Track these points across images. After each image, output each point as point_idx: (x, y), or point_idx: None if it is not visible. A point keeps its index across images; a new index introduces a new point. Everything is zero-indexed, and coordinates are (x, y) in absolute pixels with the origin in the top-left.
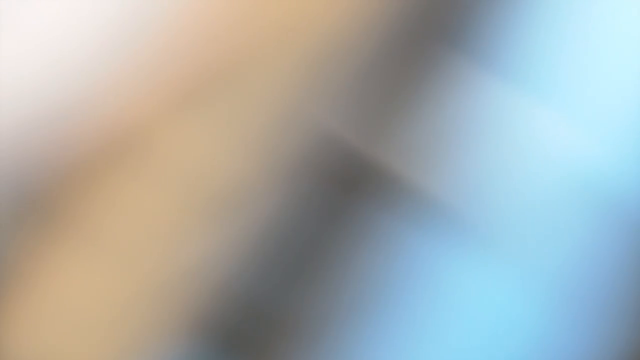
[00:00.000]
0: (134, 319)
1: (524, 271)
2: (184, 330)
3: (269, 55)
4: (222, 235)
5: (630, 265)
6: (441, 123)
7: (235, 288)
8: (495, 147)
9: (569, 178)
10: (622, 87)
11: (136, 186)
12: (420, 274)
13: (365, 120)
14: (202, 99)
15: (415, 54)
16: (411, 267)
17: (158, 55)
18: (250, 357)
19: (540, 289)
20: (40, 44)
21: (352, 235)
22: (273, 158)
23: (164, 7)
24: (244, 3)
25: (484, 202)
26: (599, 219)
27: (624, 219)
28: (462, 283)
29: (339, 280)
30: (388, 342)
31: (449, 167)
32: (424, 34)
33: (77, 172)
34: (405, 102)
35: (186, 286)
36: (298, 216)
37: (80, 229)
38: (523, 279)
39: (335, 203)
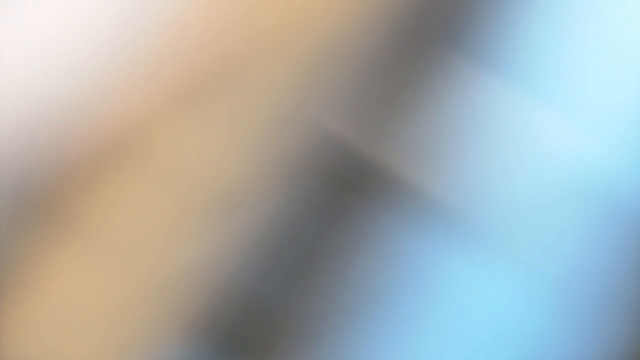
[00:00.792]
0: (134, 319)
1: (524, 271)
2: (184, 330)
3: (269, 55)
4: (222, 235)
5: (631, 265)
6: (441, 123)
7: (235, 288)
8: (495, 147)
9: (570, 178)
10: (623, 87)
11: (136, 186)
12: (421, 274)
13: (365, 120)
14: (202, 99)
15: (415, 54)
16: (411, 267)
17: (157, 55)
18: (250, 357)
19: (541, 289)
20: (40, 44)
21: (352, 235)
22: (273, 158)
23: (163, 7)
24: (243, 3)
25: (485, 202)
26: (600, 219)
27: (625, 218)
28: (463, 283)
29: (339, 280)
30: (388, 342)
31: (449, 167)
32: (424, 34)
33: (77, 172)
34: (406, 102)
35: (186, 286)
36: (298, 216)
37: (80, 229)
38: (524, 279)
39: (335, 203)
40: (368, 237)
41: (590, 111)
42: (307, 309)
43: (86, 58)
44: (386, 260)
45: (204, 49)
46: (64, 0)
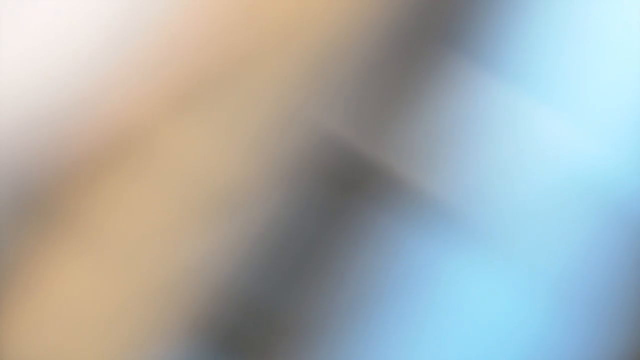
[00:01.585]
0: (134, 319)
1: (525, 272)
2: (184, 331)
3: (268, 56)
4: (222, 235)
5: (631, 267)
6: (441, 124)
7: (235, 288)
8: (495, 148)
9: (570, 179)
10: (623, 88)
11: (136, 186)
12: (421, 274)
13: (365, 120)
14: (202, 100)
15: (415, 55)
16: (411, 268)
17: (157, 56)
18: (250, 357)
19: (541, 290)
20: (40, 44)
21: (352, 236)
22: (272, 158)
23: (163, 7)
24: (242, 3)
25: (485, 203)
26: (600, 220)
27: (625, 219)
28: (463, 283)
29: (338, 280)
30: (388, 342)
31: (449, 168)
32: (424, 34)
33: (78, 172)
34: (405, 102)
35: (186, 287)
36: (298, 216)
37: (80, 229)
38: (524, 280)
39: (335, 203)
40: (368, 238)
41: (591, 112)
42: (307, 310)
43: (87, 58)
44: (386, 260)
45: (204, 49)
46: (64, 1)
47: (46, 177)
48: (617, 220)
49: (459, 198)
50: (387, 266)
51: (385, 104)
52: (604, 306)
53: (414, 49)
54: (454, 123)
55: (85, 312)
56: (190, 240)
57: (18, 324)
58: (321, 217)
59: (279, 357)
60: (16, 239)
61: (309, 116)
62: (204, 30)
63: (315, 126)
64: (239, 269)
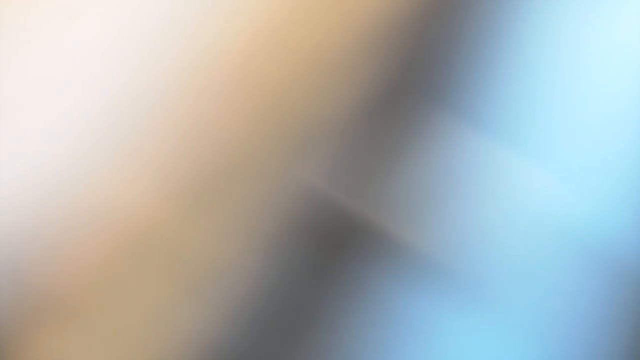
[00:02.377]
0: None
1: (514, 323)
2: None
3: (256, 115)
4: (213, 302)
5: (620, 314)
6: (428, 180)
7: (228, 354)
8: (481, 202)
9: (555, 230)
10: (610, 140)
11: (130, 268)
12: (411, 330)
13: (352, 178)
14: (192, 179)
15: (401, 112)
16: (401, 324)
17: (149, 146)
18: None
19: (532, 341)
20: (39, 139)
21: (342, 294)
22: (261, 218)
23: (158, 102)
24: (230, 79)
25: (472, 256)
26: (588, 271)
27: (613, 269)
28: (453, 338)
29: (329, 338)
30: None
31: (436, 224)
32: (410, 91)
33: (74, 255)
34: (392, 159)
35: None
36: (287, 276)
37: (76, 311)
38: (514, 331)
39: (324, 262)
40: (358, 295)
41: (575, 165)
42: None
43: (83, 152)
44: (376, 317)
45: (196, 135)
46: (63, 95)
47: (44, 262)
48: (605, 270)
49: (448, 253)
50: (377, 322)
51: (373, 162)
52: (595, 355)
53: (400, 106)
54: (440, 179)
55: None
56: (182, 311)
57: None
58: (310, 276)
59: None
60: (14, 321)
61: (297, 176)
62: (196, 115)
63: (302, 185)
64: (231, 334)
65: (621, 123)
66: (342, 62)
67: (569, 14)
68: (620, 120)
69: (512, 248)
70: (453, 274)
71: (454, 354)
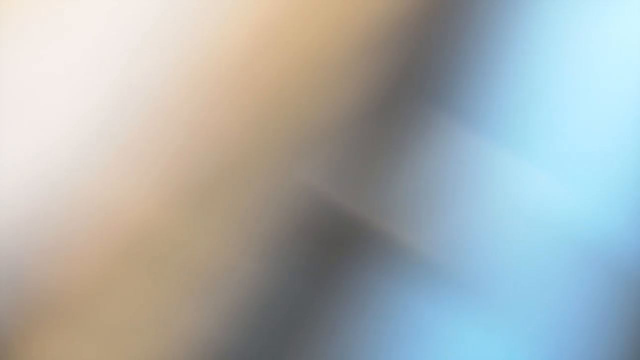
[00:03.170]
0: None
1: (513, 325)
2: None
3: (257, 117)
4: (214, 305)
5: (618, 316)
6: (428, 182)
7: (228, 355)
8: (481, 204)
9: (555, 231)
10: (609, 140)
11: (130, 269)
12: (411, 331)
13: (351, 180)
14: (192, 179)
15: (401, 114)
16: (401, 325)
17: (148, 148)
18: None
19: (530, 342)
20: (44, 137)
21: (342, 296)
22: (261, 221)
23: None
24: (229, 91)
25: (473, 258)
26: (587, 272)
27: (612, 269)
28: (452, 339)
29: (329, 339)
30: None
31: (436, 225)
32: (412, 94)
33: (74, 257)
34: (393, 161)
35: None
36: (287, 278)
37: (77, 314)
38: (513, 332)
39: (325, 263)
40: (358, 296)
41: (574, 166)
42: None
43: (84, 154)
44: (376, 318)
45: (196, 137)
46: (64, 97)
47: (44, 263)
48: (602, 269)
49: (447, 254)
50: (376, 323)
51: (372, 163)
52: (595, 354)
53: (400, 108)
54: (440, 180)
55: None
56: (182, 313)
57: None
58: (310, 277)
59: None
60: (14, 322)
61: (297, 177)
62: (197, 116)
63: (302, 187)
64: (230, 336)
65: (621, 123)
66: (343, 64)
67: (568, 15)
68: (620, 120)
69: (511, 249)
70: (452, 275)
71: (454, 354)
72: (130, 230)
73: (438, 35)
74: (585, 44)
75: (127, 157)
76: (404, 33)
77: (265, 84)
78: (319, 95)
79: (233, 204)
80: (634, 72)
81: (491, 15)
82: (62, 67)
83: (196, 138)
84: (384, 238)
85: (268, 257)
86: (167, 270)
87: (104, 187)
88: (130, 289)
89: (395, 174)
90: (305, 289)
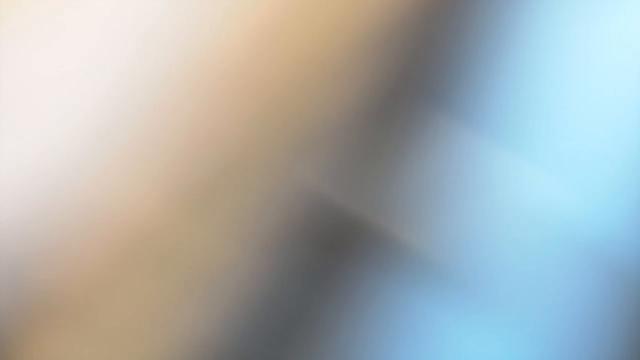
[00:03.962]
0: None
1: (514, 324)
2: None
3: (257, 117)
4: (213, 305)
5: (619, 314)
6: (427, 181)
7: (228, 355)
8: (480, 204)
9: (555, 231)
10: (609, 141)
11: (131, 269)
12: (410, 331)
13: (351, 179)
14: (192, 179)
15: (401, 114)
16: (401, 325)
17: (148, 147)
18: None
19: (530, 342)
20: (45, 138)
21: (341, 296)
22: (260, 221)
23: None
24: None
25: (473, 258)
26: (586, 272)
27: (612, 269)
28: (452, 339)
29: (329, 339)
30: None
31: (436, 225)
32: (411, 94)
33: (74, 257)
34: (393, 161)
35: None
36: (287, 278)
37: (76, 312)
38: (513, 332)
39: (325, 263)
40: (358, 296)
41: (573, 166)
42: None
43: (84, 154)
44: (376, 318)
45: (196, 137)
46: (64, 98)
47: (44, 263)
48: (602, 269)
49: (447, 254)
50: (376, 323)
51: (372, 163)
52: (595, 354)
53: (400, 108)
54: (440, 180)
55: None
56: (182, 313)
57: None
58: (310, 277)
59: None
60: (14, 323)
61: (297, 177)
62: (197, 116)
63: (302, 187)
64: (231, 336)
65: (621, 123)
66: (342, 64)
67: (568, 15)
68: (620, 120)
69: (511, 249)
70: (453, 275)
71: (454, 354)
72: (130, 230)
73: (438, 35)
74: (585, 44)
75: (127, 157)
76: (404, 33)
77: (265, 84)
78: (319, 95)
79: (233, 204)
80: (634, 72)
81: (491, 15)
82: (62, 67)
83: (196, 138)
84: (384, 238)
85: (268, 257)
86: (167, 270)
87: (104, 187)
88: (130, 289)
89: (395, 173)
90: (305, 289)
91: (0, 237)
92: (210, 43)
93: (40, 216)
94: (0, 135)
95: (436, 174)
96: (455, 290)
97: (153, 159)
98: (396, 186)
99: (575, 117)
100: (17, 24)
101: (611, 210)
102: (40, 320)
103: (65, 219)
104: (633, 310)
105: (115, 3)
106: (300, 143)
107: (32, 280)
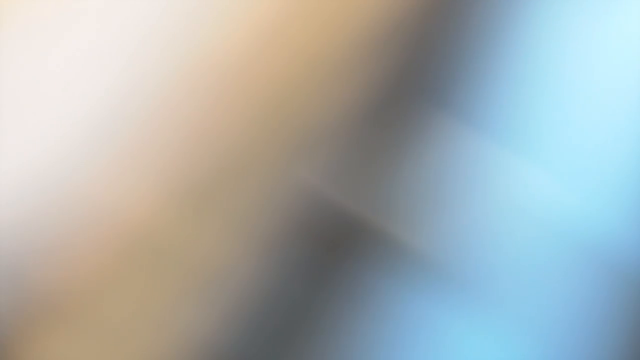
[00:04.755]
0: None
1: (513, 324)
2: None
3: (257, 117)
4: (213, 305)
5: (619, 314)
6: (427, 181)
7: (228, 356)
8: (480, 203)
9: (555, 231)
10: (610, 141)
11: (131, 269)
12: (410, 331)
13: (353, 179)
14: (193, 179)
15: (401, 114)
16: (401, 325)
17: (149, 147)
18: None
19: (530, 342)
20: (45, 138)
21: (342, 295)
22: (261, 220)
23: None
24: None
25: (472, 257)
26: (587, 271)
27: (611, 269)
28: (452, 339)
29: (329, 339)
30: None
31: (435, 224)
32: (411, 94)
33: (74, 257)
34: (393, 161)
35: None
36: (287, 278)
37: (76, 312)
38: (513, 332)
39: (325, 263)
40: (358, 296)
41: (574, 165)
42: None
43: (83, 154)
44: (376, 317)
45: (196, 137)
46: (64, 98)
47: (44, 263)
48: (602, 269)
49: (447, 253)
50: (376, 323)
51: (372, 163)
52: (595, 354)
53: (400, 108)
54: (440, 180)
55: None
56: (182, 313)
57: None
58: (310, 277)
59: None
60: (14, 323)
61: (297, 177)
62: (197, 116)
63: (303, 187)
64: (231, 336)
65: (621, 123)
66: (342, 63)
67: (568, 15)
68: (620, 120)
69: (511, 248)
70: (452, 275)
71: (454, 354)
72: (130, 229)
73: (438, 36)
74: (585, 44)
75: (126, 156)
76: (404, 33)
77: (265, 84)
78: (318, 95)
79: (233, 204)
80: (634, 72)
81: (491, 15)
82: (61, 67)
83: (196, 138)
84: (384, 237)
85: (268, 257)
86: (166, 269)
87: (104, 187)
88: (130, 288)
89: (395, 173)
90: (305, 288)
91: (0, 237)
92: (210, 43)
93: (41, 216)
94: (1, 135)
95: (436, 174)
96: (455, 290)
97: (152, 158)
98: (396, 186)
99: (575, 117)
100: (17, 24)
101: (611, 209)
102: (40, 320)
103: (65, 219)
104: (633, 310)
105: (115, 3)
106: (300, 143)
107: (32, 280)
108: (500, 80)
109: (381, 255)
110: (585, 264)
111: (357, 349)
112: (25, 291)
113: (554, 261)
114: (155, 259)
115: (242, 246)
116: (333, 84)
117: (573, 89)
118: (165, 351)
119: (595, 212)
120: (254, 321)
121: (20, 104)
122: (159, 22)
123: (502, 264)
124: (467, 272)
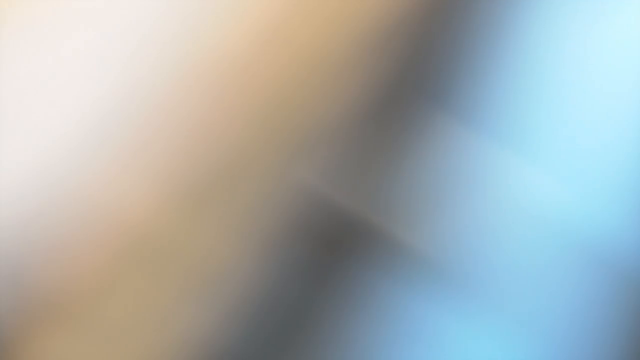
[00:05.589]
0: None
1: (513, 324)
2: None
3: (256, 117)
4: (213, 305)
5: (619, 314)
6: (427, 181)
7: (228, 356)
8: (480, 203)
9: (555, 231)
10: (608, 140)
11: (130, 269)
12: (410, 331)
13: (352, 179)
14: (192, 179)
15: (401, 114)
16: (401, 325)
17: (148, 146)
18: None
19: (530, 342)
20: (45, 138)
21: (342, 294)
22: (261, 220)
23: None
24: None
25: (472, 257)
26: (587, 271)
27: (611, 269)
28: (452, 339)
29: (329, 339)
30: None
31: (436, 224)
32: (411, 93)
33: (74, 257)
34: (393, 161)
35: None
36: (287, 278)
37: (76, 312)
38: (513, 332)
39: (325, 263)
40: (358, 296)
41: (574, 165)
42: None
43: (83, 155)
44: (376, 317)
45: (196, 137)
46: (64, 98)
47: (44, 263)
48: (602, 269)
49: (447, 253)
50: (376, 323)
51: (372, 163)
52: (595, 354)
53: (400, 107)
54: (440, 179)
55: None
56: (182, 313)
57: None
58: (310, 276)
59: None
60: (14, 323)
61: (297, 177)
62: (197, 117)
63: (302, 186)
64: (231, 336)
65: (621, 123)
66: (342, 63)
67: (568, 15)
68: (620, 120)
69: (511, 248)
70: (452, 275)
71: (454, 354)
72: (130, 229)
73: (438, 35)
74: (584, 44)
75: (126, 156)
76: (404, 33)
77: (265, 84)
78: (318, 95)
79: (232, 204)
80: (633, 72)
81: (491, 15)
82: (61, 67)
83: (195, 138)
84: (384, 236)
85: (268, 256)
86: (166, 269)
87: (104, 187)
88: (130, 289)
89: (395, 172)
90: (304, 288)
91: (0, 237)
92: (210, 43)
93: (40, 216)
94: (1, 135)
95: (436, 174)
96: (455, 289)
97: (152, 158)
98: (396, 186)
99: (575, 117)
100: (17, 24)
101: (611, 209)
102: (40, 320)
103: (65, 218)
104: (633, 310)
105: (114, 3)
106: (300, 143)
107: (32, 280)
108: (500, 80)
109: (381, 255)
110: (585, 264)
111: (357, 349)
112: (25, 291)
113: (554, 261)
114: (155, 259)
115: (241, 246)
116: (333, 84)
117: (573, 89)
118: (165, 351)
119: (595, 212)
120: (253, 321)
121: (20, 104)
122: (159, 22)
123: (502, 264)
124: (467, 271)
